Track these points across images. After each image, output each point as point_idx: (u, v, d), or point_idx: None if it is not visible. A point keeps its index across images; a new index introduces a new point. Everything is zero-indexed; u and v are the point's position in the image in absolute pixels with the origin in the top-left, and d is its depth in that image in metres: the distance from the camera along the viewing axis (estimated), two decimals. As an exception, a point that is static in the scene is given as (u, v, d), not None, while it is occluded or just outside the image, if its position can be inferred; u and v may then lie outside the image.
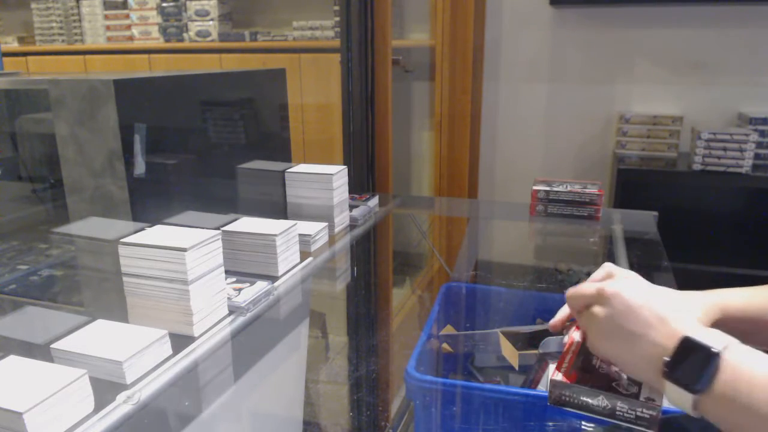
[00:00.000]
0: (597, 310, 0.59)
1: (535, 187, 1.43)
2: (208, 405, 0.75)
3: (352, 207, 1.33)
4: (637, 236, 1.35)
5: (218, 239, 0.81)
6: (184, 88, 1.00)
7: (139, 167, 0.86)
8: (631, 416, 0.58)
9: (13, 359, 0.63)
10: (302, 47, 2.90)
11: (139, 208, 0.86)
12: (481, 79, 2.53)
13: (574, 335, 0.68)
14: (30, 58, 3.39)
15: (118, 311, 0.81)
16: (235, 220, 1.03)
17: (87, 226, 0.89)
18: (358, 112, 1.70)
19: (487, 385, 0.90)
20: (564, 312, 0.72)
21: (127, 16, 3.26)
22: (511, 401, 0.81)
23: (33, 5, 3.44)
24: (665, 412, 0.72)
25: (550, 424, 0.80)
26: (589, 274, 0.66)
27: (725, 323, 0.58)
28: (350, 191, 1.31)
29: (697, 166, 2.10)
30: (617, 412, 0.59)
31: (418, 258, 1.81)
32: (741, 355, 0.49)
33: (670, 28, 2.29)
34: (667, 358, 0.52)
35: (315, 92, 2.82)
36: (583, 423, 0.80)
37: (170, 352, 0.74)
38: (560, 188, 1.40)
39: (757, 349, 0.52)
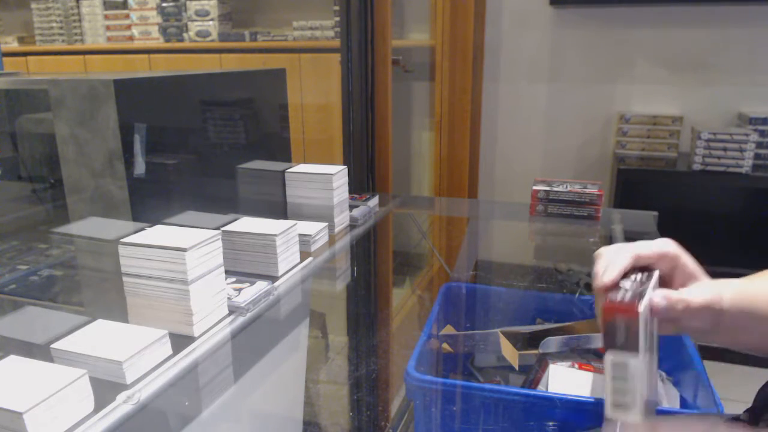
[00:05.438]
0: None
1: (535, 187, 1.43)
2: (208, 405, 0.75)
3: (352, 207, 1.33)
4: (637, 236, 1.35)
5: (218, 239, 0.81)
6: (184, 88, 1.00)
7: (139, 167, 0.86)
8: None
9: (13, 359, 0.63)
10: (302, 47, 2.90)
11: (139, 208, 0.86)
12: (481, 79, 2.53)
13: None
14: (30, 58, 3.39)
15: (118, 311, 0.81)
16: (235, 220, 1.03)
17: (87, 226, 0.89)
18: (358, 112, 1.70)
19: (487, 385, 0.90)
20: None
21: (127, 16, 3.26)
22: (511, 401, 0.81)
23: (33, 5, 3.44)
24: (663, 411, 0.72)
25: (550, 423, 0.80)
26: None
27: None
28: (350, 191, 1.31)
29: (697, 166, 2.10)
30: None
31: (418, 258, 1.81)
32: None
33: (670, 28, 2.29)
34: None
35: (315, 92, 2.82)
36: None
37: (170, 352, 0.74)
38: (560, 188, 1.40)
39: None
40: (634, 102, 2.41)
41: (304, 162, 1.29)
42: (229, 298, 0.86)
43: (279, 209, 1.24)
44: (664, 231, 1.36)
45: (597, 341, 1.05)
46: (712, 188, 2.33)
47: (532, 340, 1.04)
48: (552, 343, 1.02)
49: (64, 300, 0.99)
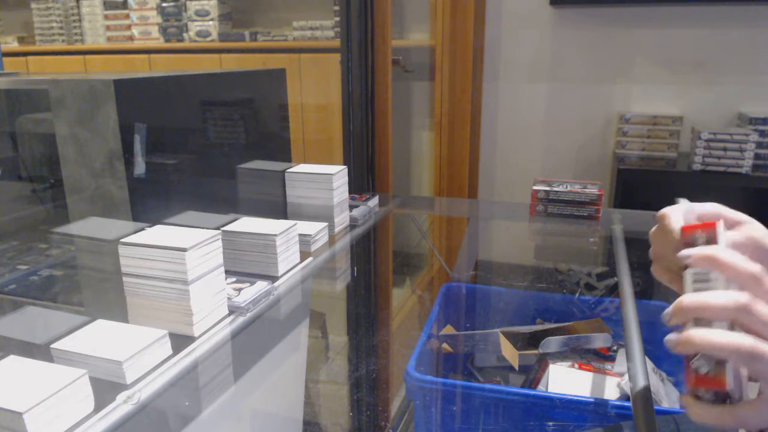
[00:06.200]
0: None
1: (535, 187, 1.43)
2: (208, 405, 0.75)
3: (352, 207, 1.33)
4: (637, 236, 1.35)
5: (218, 239, 0.81)
6: (184, 88, 1.00)
7: (139, 167, 0.86)
8: None
9: (13, 359, 0.63)
10: (302, 47, 2.90)
11: (139, 208, 0.86)
12: (481, 79, 2.53)
13: None
14: (30, 58, 3.39)
15: (118, 311, 0.81)
16: (235, 220, 1.03)
17: (87, 226, 0.89)
18: (358, 112, 1.70)
19: (487, 385, 0.90)
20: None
21: (127, 16, 3.26)
22: (511, 401, 0.81)
23: (33, 5, 3.44)
24: (663, 411, 0.72)
25: (550, 423, 0.80)
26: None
27: None
28: (350, 191, 1.31)
29: (697, 166, 2.10)
30: None
31: (418, 258, 1.81)
32: None
33: (670, 28, 2.29)
34: None
35: (315, 92, 2.83)
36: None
37: (170, 352, 0.74)
38: (560, 188, 1.40)
39: None
40: (634, 102, 2.41)
41: (304, 162, 1.29)
42: (229, 298, 0.86)
43: (279, 209, 1.24)
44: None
45: (597, 341, 1.05)
46: (712, 188, 2.33)
47: (532, 340, 1.04)
48: (552, 343, 1.02)
49: (64, 300, 0.99)
